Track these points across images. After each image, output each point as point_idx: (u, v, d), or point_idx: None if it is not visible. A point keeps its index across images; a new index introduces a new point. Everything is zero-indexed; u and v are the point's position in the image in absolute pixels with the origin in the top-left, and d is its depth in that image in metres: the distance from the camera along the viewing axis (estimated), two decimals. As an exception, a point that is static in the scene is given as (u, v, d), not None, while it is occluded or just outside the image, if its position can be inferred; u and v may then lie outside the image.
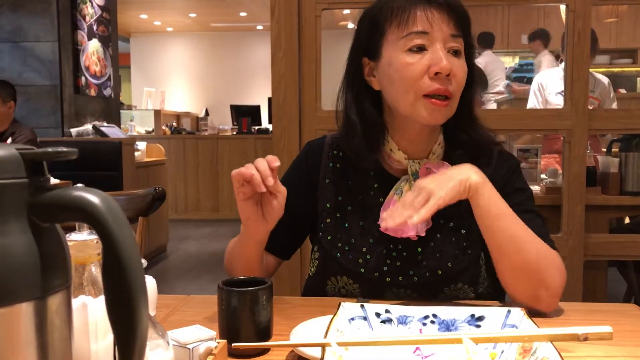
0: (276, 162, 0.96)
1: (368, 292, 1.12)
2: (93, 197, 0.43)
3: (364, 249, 1.12)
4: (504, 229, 1.00)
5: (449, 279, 1.10)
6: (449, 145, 1.14)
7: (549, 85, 3.83)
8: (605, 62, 6.88)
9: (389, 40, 1.06)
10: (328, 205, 1.16)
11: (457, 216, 1.12)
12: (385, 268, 1.11)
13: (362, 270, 1.11)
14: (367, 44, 1.10)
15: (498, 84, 5.45)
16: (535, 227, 1.06)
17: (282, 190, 1.01)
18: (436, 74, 1.02)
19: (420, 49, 1.03)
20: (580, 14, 1.96)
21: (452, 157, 1.13)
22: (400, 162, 1.13)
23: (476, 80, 1.13)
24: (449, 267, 1.09)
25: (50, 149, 0.44)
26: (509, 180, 1.13)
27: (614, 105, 3.76)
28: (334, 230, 1.15)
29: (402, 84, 1.04)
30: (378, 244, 1.12)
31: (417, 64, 1.03)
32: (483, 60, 5.31)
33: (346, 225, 1.14)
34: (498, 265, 1.04)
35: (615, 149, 2.72)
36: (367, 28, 1.10)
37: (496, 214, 1.00)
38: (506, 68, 6.07)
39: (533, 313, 0.97)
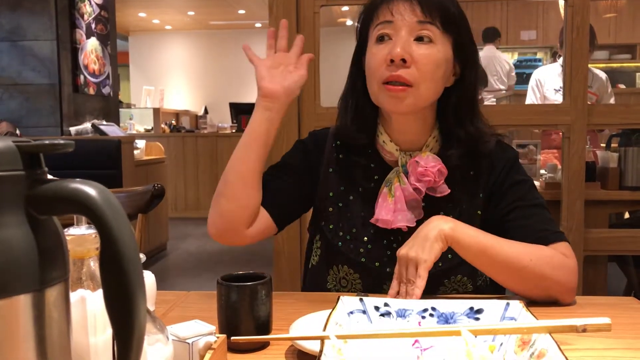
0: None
1: (368, 283, 1.12)
2: (90, 189, 0.43)
3: (365, 239, 1.13)
4: (493, 257, 1.01)
5: (449, 271, 1.10)
6: (446, 140, 1.14)
7: (547, 81, 3.83)
8: (605, 57, 6.88)
9: (370, 37, 1.11)
10: (331, 194, 1.18)
11: (455, 209, 1.12)
12: (385, 259, 1.12)
13: (363, 259, 1.12)
14: (361, 45, 1.15)
15: (494, 81, 5.40)
16: (542, 221, 1.08)
17: (304, 71, 1.12)
18: (391, 61, 1.03)
19: (382, 38, 1.07)
20: (578, 9, 1.96)
21: (445, 155, 1.11)
22: (392, 153, 1.14)
23: (468, 71, 1.12)
24: (448, 259, 1.09)
25: (47, 141, 0.44)
26: (508, 174, 1.13)
27: (612, 101, 3.76)
28: (336, 219, 1.16)
29: (369, 73, 1.09)
30: (379, 235, 1.13)
31: (379, 53, 1.06)
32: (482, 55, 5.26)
33: (348, 214, 1.16)
34: (504, 285, 1.06)
35: (614, 144, 2.72)
36: (358, 31, 1.16)
37: (479, 249, 1.01)
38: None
39: (532, 304, 0.97)
